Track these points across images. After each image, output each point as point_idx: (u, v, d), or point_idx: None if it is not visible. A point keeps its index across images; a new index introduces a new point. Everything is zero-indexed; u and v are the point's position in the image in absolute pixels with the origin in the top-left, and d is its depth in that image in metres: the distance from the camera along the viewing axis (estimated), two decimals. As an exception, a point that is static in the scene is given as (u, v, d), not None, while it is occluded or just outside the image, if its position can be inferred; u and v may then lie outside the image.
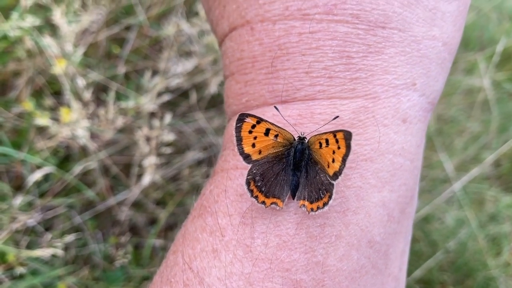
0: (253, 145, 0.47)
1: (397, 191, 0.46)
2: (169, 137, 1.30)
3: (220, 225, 0.45)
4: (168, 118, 1.30)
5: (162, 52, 1.43)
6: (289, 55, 0.45)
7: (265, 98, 0.47)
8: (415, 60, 0.46)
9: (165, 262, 0.49)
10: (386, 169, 0.45)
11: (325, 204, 0.44)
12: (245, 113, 0.45)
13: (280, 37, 0.45)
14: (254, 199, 0.45)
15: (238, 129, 0.46)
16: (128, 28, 1.46)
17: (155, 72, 1.40)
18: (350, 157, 0.43)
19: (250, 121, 0.46)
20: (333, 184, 0.44)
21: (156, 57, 1.48)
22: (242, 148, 0.47)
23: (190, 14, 1.50)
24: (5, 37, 1.25)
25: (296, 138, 0.47)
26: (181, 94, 1.50)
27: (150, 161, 1.28)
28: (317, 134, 0.45)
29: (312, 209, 0.44)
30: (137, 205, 1.44)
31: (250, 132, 0.46)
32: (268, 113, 0.47)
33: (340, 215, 0.44)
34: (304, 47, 0.45)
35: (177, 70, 1.37)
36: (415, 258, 1.58)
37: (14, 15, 1.21)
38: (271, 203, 0.45)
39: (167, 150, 1.33)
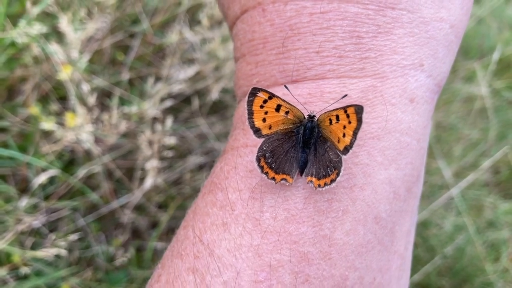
0: (264, 120, 0.48)
1: (403, 169, 0.46)
2: (171, 140, 1.33)
3: (230, 199, 0.46)
4: (169, 121, 1.32)
5: (165, 59, 1.46)
6: (300, 35, 0.46)
7: (276, 78, 0.48)
8: (423, 41, 0.46)
9: (176, 237, 0.50)
10: (393, 147, 0.46)
11: (332, 181, 0.45)
12: (257, 87, 0.46)
13: (291, 18, 0.46)
14: (264, 175, 0.46)
15: (250, 103, 0.47)
16: (132, 35, 1.49)
17: (158, 79, 1.43)
18: (358, 134, 0.44)
19: (262, 95, 0.46)
20: (341, 162, 0.45)
21: (159, 64, 1.51)
22: (253, 122, 0.48)
23: (193, 22, 1.53)
24: (13, 44, 1.29)
25: (306, 117, 0.47)
26: (184, 100, 1.52)
27: (152, 163, 1.31)
28: (327, 112, 0.46)
29: (319, 185, 0.45)
30: (139, 208, 1.46)
31: (261, 106, 0.47)
32: (278, 93, 0.47)
33: (347, 190, 0.45)
34: (315, 27, 0.45)
35: (179, 76, 1.40)
36: (413, 263, 1.59)
37: (22, 22, 1.24)
38: (281, 179, 0.46)
39: (169, 154, 1.36)
